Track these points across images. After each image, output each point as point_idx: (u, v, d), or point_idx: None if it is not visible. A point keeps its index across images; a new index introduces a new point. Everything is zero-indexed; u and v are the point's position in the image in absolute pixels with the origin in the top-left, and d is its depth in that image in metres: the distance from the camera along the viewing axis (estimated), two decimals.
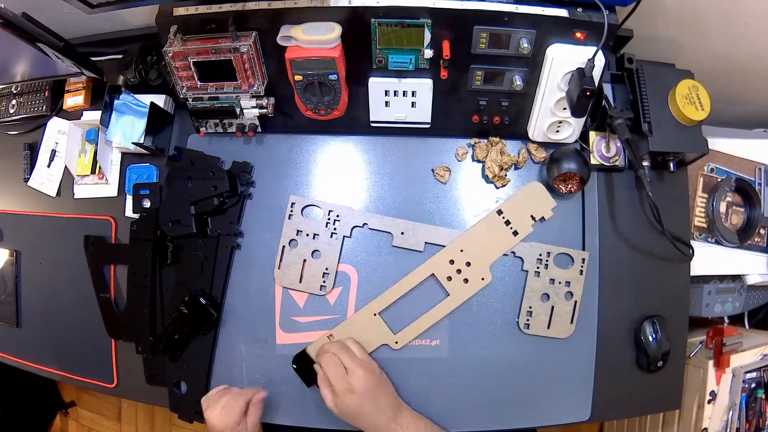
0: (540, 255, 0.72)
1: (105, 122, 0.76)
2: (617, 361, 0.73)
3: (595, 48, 0.59)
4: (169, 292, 0.75)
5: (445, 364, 0.72)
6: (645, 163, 0.70)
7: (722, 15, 0.72)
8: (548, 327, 0.72)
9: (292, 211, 0.74)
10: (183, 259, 0.75)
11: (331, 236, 0.74)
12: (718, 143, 0.82)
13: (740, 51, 0.79)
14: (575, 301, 0.72)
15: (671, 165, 0.71)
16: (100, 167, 0.80)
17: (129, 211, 0.79)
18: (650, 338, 0.72)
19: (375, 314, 0.72)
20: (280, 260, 0.74)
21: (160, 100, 0.78)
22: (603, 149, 0.73)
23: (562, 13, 0.61)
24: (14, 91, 0.88)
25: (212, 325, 0.74)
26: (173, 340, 0.73)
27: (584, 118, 0.70)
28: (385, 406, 0.64)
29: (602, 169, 0.75)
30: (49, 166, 0.85)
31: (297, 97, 0.70)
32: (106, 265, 0.79)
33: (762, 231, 0.83)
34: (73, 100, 0.84)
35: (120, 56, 0.81)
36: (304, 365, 0.72)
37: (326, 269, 0.73)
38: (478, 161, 0.76)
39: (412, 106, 0.71)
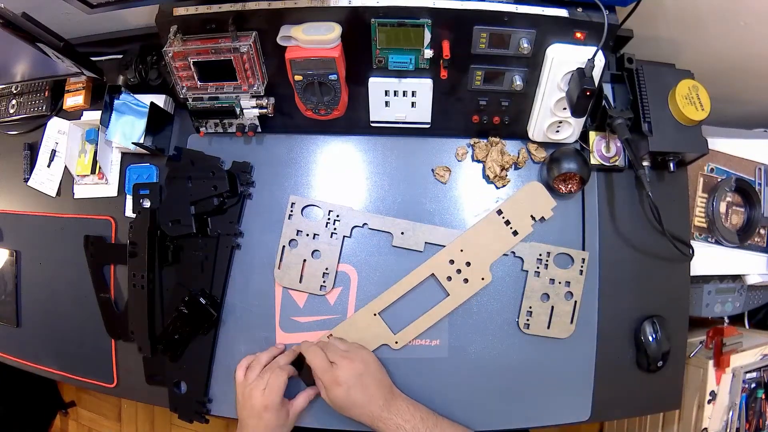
0: (540, 255, 0.72)
1: (105, 122, 0.76)
2: (617, 361, 0.73)
3: (595, 48, 0.59)
4: (169, 292, 0.75)
5: (444, 364, 0.72)
6: (645, 163, 0.70)
7: (722, 15, 0.72)
8: (548, 327, 0.72)
9: (292, 211, 0.74)
10: (183, 259, 0.75)
11: (331, 236, 0.74)
12: (718, 143, 0.82)
13: (740, 51, 0.79)
14: (575, 301, 0.72)
15: (671, 165, 0.71)
16: (100, 167, 0.80)
17: (129, 211, 0.79)
18: (650, 338, 0.72)
19: (375, 314, 0.72)
20: (280, 260, 0.74)
21: (160, 100, 0.78)
22: (603, 149, 0.73)
23: (562, 13, 0.60)
24: (14, 91, 0.88)
25: (212, 325, 0.74)
26: (173, 340, 0.73)
27: (584, 118, 0.70)
28: (375, 395, 0.63)
29: (602, 169, 0.75)
30: (49, 166, 0.85)
31: (297, 97, 0.70)
32: (106, 265, 0.79)
33: (762, 231, 0.83)
34: (73, 100, 0.84)
35: (120, 56, 0.81)
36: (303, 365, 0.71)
37: (326, 269, 0.73)
38: (478, 161, 0.76)
39: (412, 106, 0.71)
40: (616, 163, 0.74)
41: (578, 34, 0.62)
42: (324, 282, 0.73)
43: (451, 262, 0.72)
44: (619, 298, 0.74)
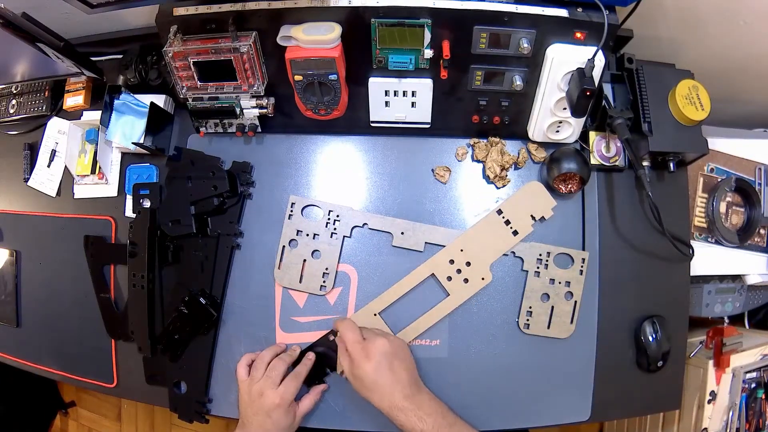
0: (540, 255, 0.72)
1: (105, 122, 0.76)
2: (617, 361, 0.73)
3: (595, 48, 0.59)
4: (169, 292, 0.75)
5: (444, 363, 0.72)
6: (645, 163, 0.70)
7: (722, 15, 0.72)
8: (548, 327, 0.72)
9: (292, 211, 0.74)
10: (183, 259, 0.75)
11: (331, 236, 0.74)
12: (718, 143, 0.82)
13: (740, 51, 0.79)
14: (575, 301, 0.72)
15: (671, 165, 0.71)
16: (100, 167, 0.80)
17: (129, 211, 0.79)
18: (650, 338, 0.72)
19: (375, 314, 0.72)
20: (280, 260, 0.74)
21: (160, 100, 0.78)
22: (603, 149, 0.73)
23: (562, 13, 0.60)
24: (14, 91, 0.88)
25: (212, 325, 0.74)
26: (173, 340, 0.73)
27: (584, 118, 0.70)
28: (402, 382, 0.61)
29: (602, 169, 0.75)
30: (49, 166, 0.85)
31: (297, 97, 0.70)
32: (106, 265, 0.79)
33: (762, 231, 0.83)
34: (73, 100, 0.84)
35: (120, 56, 0.81)
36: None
37: (326, 269, 0.73)
38: (478, 161, 0.76)
39: (412, 106, 0.71)
40: (616, 163, 0.74)
41: (578, 34, 0.62)
42: (324, 282, 0.73)
43: (451, 262, 0.72)
44: (619, 298, 0.74)
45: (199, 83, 0.67)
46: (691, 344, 0.86)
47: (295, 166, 0.77)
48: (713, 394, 0.85)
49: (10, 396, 1.41)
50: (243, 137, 0.77)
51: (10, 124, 0.89)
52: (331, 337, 0.71)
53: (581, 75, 0.59)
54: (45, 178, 0.85)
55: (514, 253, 0.73)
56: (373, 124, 0.74)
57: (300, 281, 0.73)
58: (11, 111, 0.87)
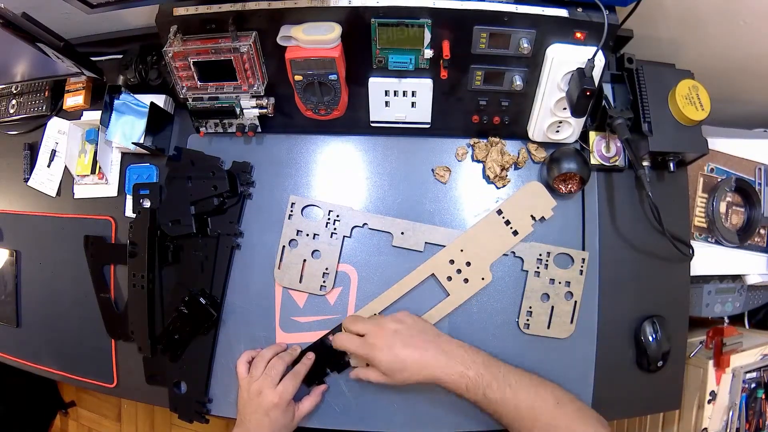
0: (540, 255, 0.72)
1: (105, 122, 0.76)
2: (617, 361, 0.73)
3: (595, 48, 0.59)
4: (169, 292, 0.75)
5: None
6: (645, 163, 0.70)
7: (722, 15, 0.72)
8: (548, 327, 0.72)
9: (292, 211, 0.74)
10: (183, 259, 0.75)
11: (331, 236, 0.74)
12: (718, 143, 0.82)
13: (740, 51, 0.79)
14: (575, 301, 0.72)
15: (671, 165, 0.71)
16: (100, 167, 0.80)
17: (129, 211, 0.79)
18: (650, 338, 0.72)
19: (375, 314, 0.72)
20: (280, 260, 0.74)
21: (160, 100, 0.78)
22: (603, 149, 0.73)
23: (562, 13, 0.60)
24: (14, 91, 0.88)
25: (212, 325, 0.74)
26: (173, 340, 0.73)
27: (584, 118, 0.70)
28: (423, 345, 0.61)
29: (602, 169, 0.75)
30: (49, 166, 0.85)
31: (297, 97, 0.70)
32: (106, 265, 0.79)
33: (762, 231, 0.83)
34: (73, 100, 0.84)
35: (120, 56, 0.81)
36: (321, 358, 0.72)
37: (326, 269, 0.73)
38: (478, 161, 0.76)
39: (412, 106, 0.71)
40: (616, 163, 0.74)
41: (578, 34, 0.62)
42: (324, 282, 0.73)
43: (452, 261, 0.72)
44: (619, 298, 0.74)
45: (199, 83, 0.67)
46: (691, 344, 0.86)
47: (295, 166, 0.77)
48: (713, 394, 0.85)
49: (10, 396, 1.41)
50: (243, 137, 0.77)
51: (10, 124, 0.89)
52: (331, 337, 0.71)
53: (581, 75, 0.59)
54: (45, 178, 0.85)
55: (514, 253, 0.73)
56: (373, 124, 0.74)
57: (300, 281, 0.73)
58: (11, 111, 0.87)
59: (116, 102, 0.76)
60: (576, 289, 0.72)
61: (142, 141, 0.74)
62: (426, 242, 0.73)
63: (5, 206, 0.87)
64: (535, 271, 0.72)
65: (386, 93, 0.70)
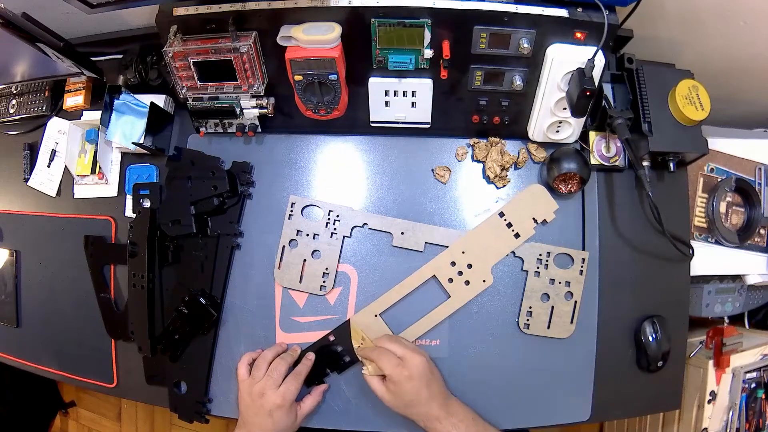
0: (540, 255, 0.72)
1: (105, 122, 0.76)
2: (617, 361, 0.73)
3: (595, 48, 0.59)
4: (169, 292, 0.75)
5: (444, 363, 0.72)
6: (645, 163, 0.70)
7: (722, 15, 0.72)
8: (548, 327, 0.72)
9: (292, 211, 0.74)
10: (183, 259, 0.75)
11: (331, 236, 0.74)
12: (718, 143, 0.82)
13: (740, 51, 0.79)
14: (575, 301, 0.72)
15: (671, 165, 0.71)
16: (100, 167, 0.80)
17: (129, 211, 0.79)
18: (650, 338, 0.72)
19: (376, 315, 0.72)
20: (280, 260, 0.74)
21: (160, 100, 0.78)
22: (603, 149, 0.73)
23: (562, 13, 0.60)
24: (14, 91, 0.88)
25: (212, 325, 0.74)
26: (173, 340, 0.73)
27: (584, 118, 0.70)
28: (437, 393, 0.64)
29: (602, 169, 0.75)
30: (49, 166, 0.85)
31: (297, 97, 0.70)
32: (106, 265, 0.79)
33: (762, 231, 0.83)
34: (73, 100, 0.84)
35: (120, 56, 0.81)
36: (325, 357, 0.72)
37: (326, 269, 0.73)
38: (478, 161, 0.76)
39: (412, 106, 0.71)
40: (616, 163, 0.74)
41: (578, 34, 0.62)
42: (324, 282, 0.73)
43: (453, 263, 0.72)
44: (619, 298, 0.74)
45: (199, 83, 0.67)
46: (691, 344, 0.86)
47: (295, 166, 0.77)
48: (713, 394, 0.85)
49: (10, 396, 1.41)
50: (243, 137, 0.77)
51: (10, 124, 0.89)
52: (331, 338, 0.71)
53: (581, 75, 0.59)
54: (45, 178, 0.85)
55: (514, 253, 0.73)
56: (373, 124, 0.74)
57: (300, 281, 0.73)
58: (11, 111, 0.87)
59: (116, 102, 0.76)
60: (576, 289, 0.72)
61: (142, 141, 0.74)
62: (426, 242, 0.73)
63: (5, 206, 0.87)
64: (535, 271, 0.72)
65: (386, 93, 0.70)
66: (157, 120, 0.76)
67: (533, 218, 0.73)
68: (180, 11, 0.63)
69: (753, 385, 0.86)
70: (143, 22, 0.77)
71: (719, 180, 0.82)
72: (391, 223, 0.74)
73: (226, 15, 0.62)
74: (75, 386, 1.50)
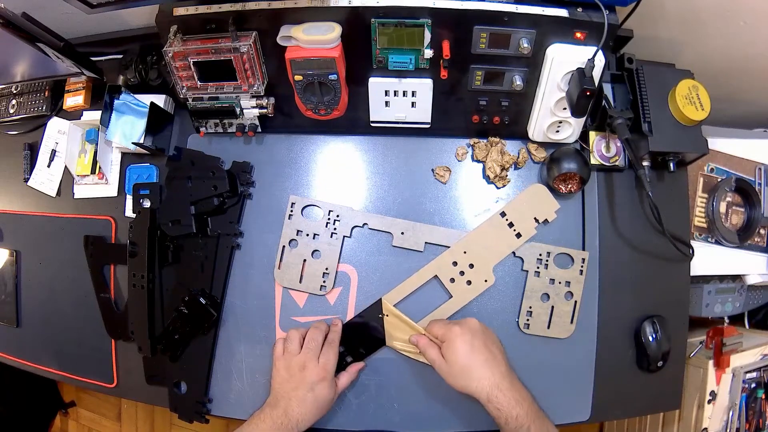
0: (540, 255, 0.72)
1: (105, 122, 0.76)
2: (617, 361, 0.73)
3: (595, 48, 0.59)
4: (169, 292, 0.75)
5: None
6: (645, 163, 0.70)
7: (722, 15, 0.72)
8: (548, 327, 0.72)
9: (292, 211, 0.74)
10: (183, 259, 0.75)
11: (331, 236, 0.74)
12: (718, 143, 0.82)
13: (740, 51, 0.79)
14: (575, 301, 0.72)
15: (671, 165, 0.71)
16: (100, 167, 0.80)
17: (129, 211, 0.79)
18: (650, 338, 0.72)
19: (378, 315, 0.72)
20: (280, 260, 0.74)
21: (160, 100, 0.78)
22: (603, 149, 0.73)
23: (562, 13, 0.61)
24: (14, 91, 0.88)
25: (212, 325, 0.74)
26: (173, 340, 0.73)
27: (584, 118, 0.70)
28: (500, 358, 0.61)
29: (602, 169, 0.75)
30: (49, 166, 0.85)
31: (297, 97, 0.70)
32: (106, 265, 0.79)
33: (762, 231, 0.83)
34: (73, 100, 0.84)
35: (120, 56, 0.81)
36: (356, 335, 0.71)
37: (326, 269, 0.73)
38: (478, 161, 0.76)
39: (412, 106, 0.71)
40: (616, 163, 0.74)
41: (578, 34, 0.62)
42: (324, 282, 0.73)
43: (455, 263, 0.72)
44: (619, 298, 0.74)
45: (199, 83, 0.67)
46: (691, 344, 0.86)
47: (295, 166, 0.77)
48: (713, 394, 0.85)
49: (10, 396, 1.41)
50: (243, 137, 0.77)
51: (10, 124, 0.89)
52: (360, 318, 0.71)
53: (581, 75, 0.59)
54: (45, 178, 0.85)
55: (514, 253, 0.73)
56: (373, 124, 0.74)
57: (300, 281, 0.73)
58: (11, 111, 0.87)
59: (116, 102, 0.76)
60: (576, 289, 0.72)
61: (142, 141, 0.74)
62: (426, 242, 0.73)
63: (5, 206, 0.87)
64: (535, 271, 0.72)
65: (386, 93, 0.70)
66: (157, 120, 0.76)
67: (534, 218, 0.73)
68: (180, 11, 0.63)
69: (753, 385, 0.86)
70: (143, 22, 0.77)
71: (719, 180, 0.82)
72: (391, 223, 0.74)
73: (226, 15, 0.62)
74: (75, 386, 1.50)
